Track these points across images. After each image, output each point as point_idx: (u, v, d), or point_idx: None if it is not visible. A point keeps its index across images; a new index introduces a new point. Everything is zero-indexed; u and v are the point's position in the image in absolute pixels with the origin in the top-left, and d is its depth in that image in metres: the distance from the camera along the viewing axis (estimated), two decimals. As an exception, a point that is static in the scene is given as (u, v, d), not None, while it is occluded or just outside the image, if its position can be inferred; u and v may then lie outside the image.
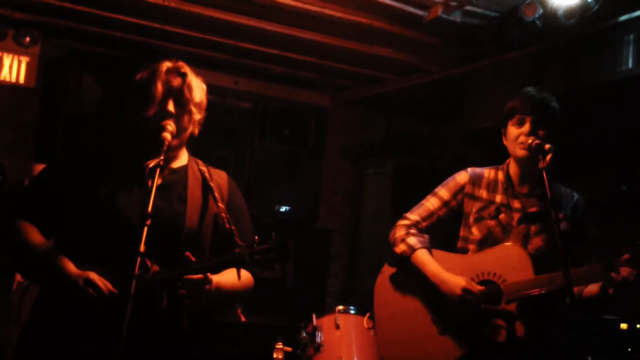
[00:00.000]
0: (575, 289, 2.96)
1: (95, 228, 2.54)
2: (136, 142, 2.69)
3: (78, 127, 5.93)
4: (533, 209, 3.12)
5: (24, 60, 5.91)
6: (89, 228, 2.54)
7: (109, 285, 2.43)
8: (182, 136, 2.67)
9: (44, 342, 2.49)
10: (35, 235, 2.55)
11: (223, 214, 2.66)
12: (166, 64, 2.67)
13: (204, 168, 2.79)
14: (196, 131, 2.73)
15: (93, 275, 2.43)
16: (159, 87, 2.61)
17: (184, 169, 2.75)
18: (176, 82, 2.64)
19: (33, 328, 2.54)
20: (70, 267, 2.47)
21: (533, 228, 3.11)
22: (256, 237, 2.51)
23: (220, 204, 2.68)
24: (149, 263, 2.45)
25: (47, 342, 2.48)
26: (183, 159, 2.77)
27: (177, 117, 2.62)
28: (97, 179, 2.60)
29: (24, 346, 2.52)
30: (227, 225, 2.62)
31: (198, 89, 2.70)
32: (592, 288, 2.97)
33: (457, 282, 3.01)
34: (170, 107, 2.60)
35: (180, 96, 2.63)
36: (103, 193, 2.57)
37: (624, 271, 2.81)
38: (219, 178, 2.82)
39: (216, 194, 2.71)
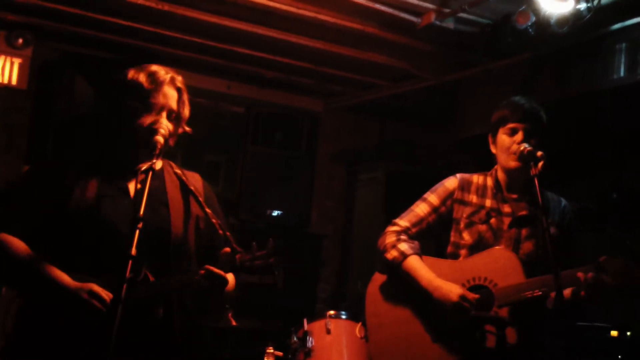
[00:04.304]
0: (552, 294, 2.97)
1: (83, 237, 2.52)
2: (123, 147, 2.68)
3: (70, 130, 5.91)
4: (523, 213, 3.13)
5: (17, 62, 5.89)
6: (76, 237, 2.52)
7: (111, 295, 2.43)
8: (165, 147, 2.67)
9: (30, 354, 2.46)
10: (21, 248, 2.51)
11: (214, 220, 2.65)
12: (165, 76, 2.66)
13: (178, 170, 2.79)
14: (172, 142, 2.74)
15: (96, 287, 2.42)
16: (160, 99, 2.61)
17: (160, 173, 2.73)
18: (173, 97, 2.65)
19: (18, 339, 2.50)
20: (66, 278, 2.45)
21: (524, 232, 3.11)
22: (254, 243, 2.53)
23: (207, 209, 2.68)
24: (148, 274, 2.46)
25: (34, 353, 2.46)
26: (157, 163, 2.74)
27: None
28: (80, 186, 2.57)
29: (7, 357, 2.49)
30: (221, 232, 2.61)
31: (188, 104, 2.72)
32: (566, 292, 2.97)
33: (451, 290, 3.00)
34: (164, 121, 2.61)
35: (174, 112, 2.65)
36: (87, 201, 2.54)
37: (582, 275, 2.82)
38: (195, 180, 2.82)
39: (200, 198, 2.71)
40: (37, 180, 2.63)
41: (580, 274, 2.84)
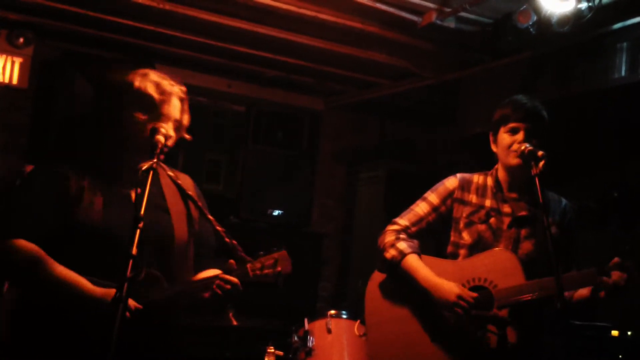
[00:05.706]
0: (566, 294, 2.97)
1: (91, 246, 2.52)
2: (130, 155, 2.68)
3: (70, 129, 5.91)
4: (522, 213, 3.12)
5: (18, 61, 5.89)
6: (84, 246, 2.53)
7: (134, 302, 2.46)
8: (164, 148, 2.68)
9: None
10: (48, 259, 2.50)
11: (218, 228, 2.67)
12: (172, 88, 2.68)
13: (171, 173, 2.80)
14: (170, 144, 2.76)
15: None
16: (170, 111, 2.65)
17: (155, 177, 2.71)
18: (178, 107, 2.69)
19: (17, 341, 2.50)
20: (93, 287, 2.46)
21: (523, 232, 3.11)
22: (261, 252, 2.61)
23: (210, 216, 2.70)
24: (160, 277, 2.48)
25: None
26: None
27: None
28: (86, 194, 2.57)
29: None
30: (227, 240, 2.63)
31: (188, 112, 2.76)
32: (583, 292, 2.98)
33: (450, 289, 3.00)
34: (171, 131, 2.65)
35: (178, 121, 2.69)
36: (95, 212, 2.55)
37: (615, 275, 2.82)
38: (186, 183, 2.83)
39: (199, 203, 2.74)
40: (44, 183, 2.60)
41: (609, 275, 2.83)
